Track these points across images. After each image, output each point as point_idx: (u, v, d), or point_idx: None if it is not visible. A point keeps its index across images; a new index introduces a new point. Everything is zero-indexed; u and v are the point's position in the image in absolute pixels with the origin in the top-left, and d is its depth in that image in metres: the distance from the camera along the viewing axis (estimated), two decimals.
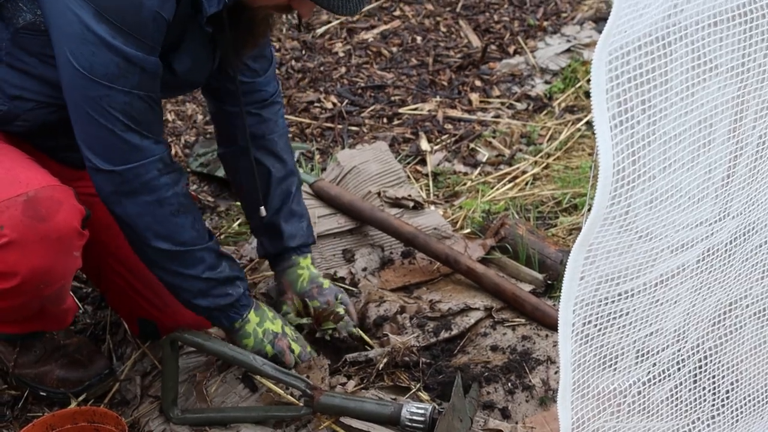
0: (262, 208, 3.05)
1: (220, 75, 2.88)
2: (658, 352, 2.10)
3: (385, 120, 4.84)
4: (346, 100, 5.01)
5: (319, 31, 5.66)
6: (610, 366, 2.02)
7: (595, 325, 1.91)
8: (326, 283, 3.18)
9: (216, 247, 2.72)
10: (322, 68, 5.30)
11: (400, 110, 4.92)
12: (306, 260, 3.14)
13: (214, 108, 3.11)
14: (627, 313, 1.94)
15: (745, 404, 2.44)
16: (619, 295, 1.90)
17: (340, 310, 3.11)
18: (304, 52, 5.49)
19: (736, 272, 2.17)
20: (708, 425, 2.37)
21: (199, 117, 4.87)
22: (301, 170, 3.80)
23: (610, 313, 1.92)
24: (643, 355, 2.08)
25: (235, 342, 2.86)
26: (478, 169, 4.40)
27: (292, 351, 2.93)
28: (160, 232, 2.59)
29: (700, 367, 2.24)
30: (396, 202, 3.78)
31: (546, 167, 4.35)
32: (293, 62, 5.34)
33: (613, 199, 1.66)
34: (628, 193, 1.68)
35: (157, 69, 2.48)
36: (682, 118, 1.76)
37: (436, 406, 2.68)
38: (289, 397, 2.88)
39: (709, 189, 1.90)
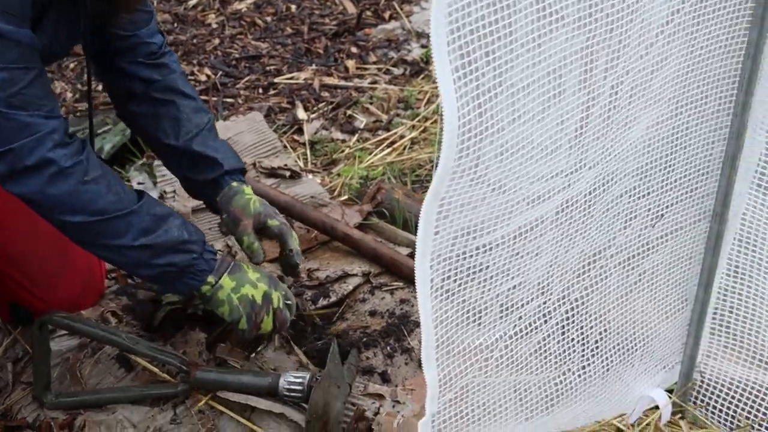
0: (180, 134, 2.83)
1: (99, 37, 2.76)
2: (522, 306, 2.12)
3: (260, 90, 4.77)
4: (221, 72, 4.91)
5: (192, 2, 5.53)
6: (474, 321, 2.02)
7: (455, 281, 1.91)
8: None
9: (152, 209, 2.47)
10: (195, 40, 5.18)
11: (276, 80, 4.84)
12: (249, 188, 2.86)
13: (102, 72, 2.97)
14: (487, 267, 1.94)
15: (615, 353, 2.49)
16: (477, 249, 1.90)
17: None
18: (175, 24, 5.36)
19: (598, 222, 2.19)
20: (579, 375, 2.41)
21: (68, 95, 4.71)
22: None
23: (470, 267, 1.92)
24: (507, 309, 2.09)
25: (213, 311, 2.64)
26: (356, 135, 4.37)
27: (278, 324, 2.69)
28: (71, 205, 2.40)
29: (567, 318, 2.27)
30: (272, 172, 3.72)
31: (424, 131, 4.35)
32: (165, 35, 5.19)
33: (461, 152, 1.65)
34: (477, 145, 1.67)
35: (33, 41, 2.35)
36: (529, 70, 1.76)
37: (315, 375, 2.65)
38: (165, 375, 2.81)
39: (563, 140, 1.91)
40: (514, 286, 2.04)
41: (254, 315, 2.61)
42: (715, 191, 2.46)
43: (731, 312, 2.63)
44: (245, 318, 2.60)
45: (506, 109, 1.71)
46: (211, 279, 2.55)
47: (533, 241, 2.01)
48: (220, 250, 3.33)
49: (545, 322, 2.19)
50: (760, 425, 2.58)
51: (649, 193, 2.29)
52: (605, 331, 2.38)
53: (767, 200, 2.41)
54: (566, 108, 1.89)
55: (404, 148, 4.20)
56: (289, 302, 2.73)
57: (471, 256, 1.88)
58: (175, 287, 2.62)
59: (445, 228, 1.77)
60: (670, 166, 2.31)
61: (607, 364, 2.45)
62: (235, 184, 2.86)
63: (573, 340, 2.30)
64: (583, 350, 2.36)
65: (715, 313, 2.66)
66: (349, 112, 4.56)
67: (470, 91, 1.61)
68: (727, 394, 2.68)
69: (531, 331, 2.17)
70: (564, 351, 2.29)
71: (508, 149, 1.76)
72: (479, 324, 2.02)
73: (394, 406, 2.63)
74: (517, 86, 1.73)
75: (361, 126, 4.45)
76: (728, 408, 2.67)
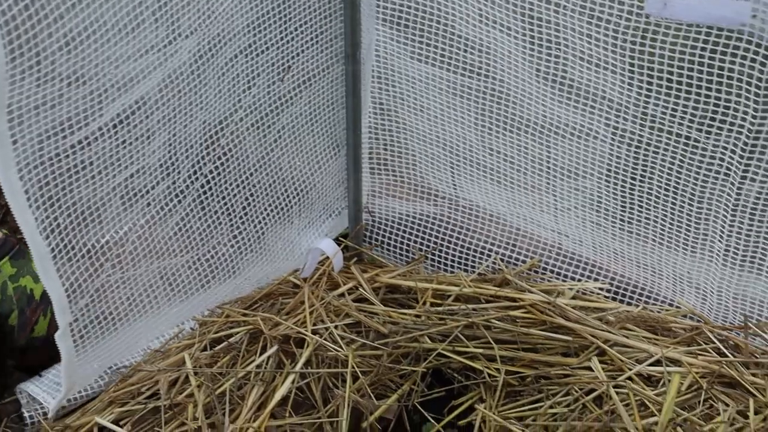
0: None
1: None
2: (148, 192, 2.00)
3: None
4: None
5: None
6: (93, 220, 1.88)
7: (57, 185, 1.75)
8: None
9: None
10: None
11: None
12: None
13: None
14: (91, 163, 1.80)
15: (269, 215, 2.44)
16: (73, 147, 1.74)
17: None
18: None
19: (215, 89, 2.08)
20: (231, 246, 2.35)
21: None
22: None
23: (71, 167, 1.76)
24: (130, 199, 1.96)
25: None
26: None
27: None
28: None
29: (205, 193, 2.18)
30: None
31: None
32: None
33: (13, 53, 1.46)
34: (32, 41, 1.49)
35: None
36: None
37: None
38: None
39: (144, 14, 1.75)
40: (132, 175, 1.92)
41: (29, 312, 2.25)
42: (342, 32, 2.40)
43: (386, 150, 2.65)
44: (17, 312, 2.23)
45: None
46: None
47: (140, 125, 1.87)
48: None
49: (179, 202, 2.09)
50: (433, 253, 2.66)
51: (268, 48, 2.19)
52: (251, 195, 2.32)
53: (394, 33, 2.39)
54: None
55: None
56: None
57: (68, 156, 1.73)
58: None
59: (24, 135, 1.59)
60: (285, 15, 2.21)
61: (261, 228, 2.40)
62: None
63: (216, 213, 2.23)
64: (231, 220, 2.29)
65: (370, 153, 2.66)
66: None
67: None
68: (398, 229, 2.73)
69: (165, 214, 2.06)
70: (209, 226, 2.22)
71: (74, 38, 1.59)
72: (100, 222, 1.89)
73: None
74: None
75: None
76: (401, 242, 2.73)
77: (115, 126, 1.80)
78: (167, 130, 1.95)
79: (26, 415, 2.18)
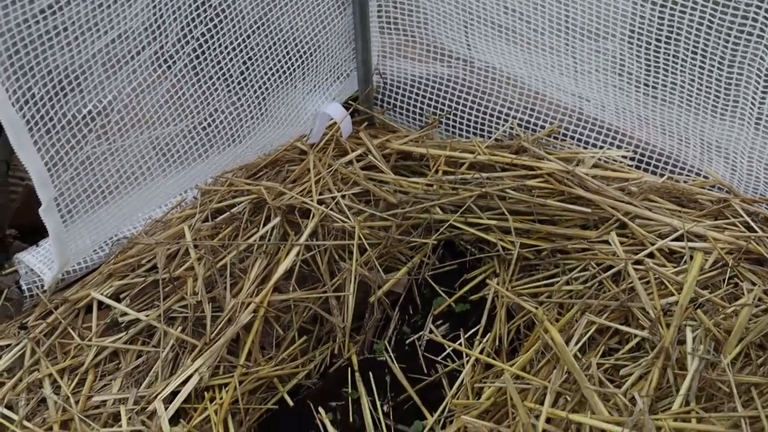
0: None
1: None
2: (133, 57, 1.86)
3: None
4: None
5: None
6: (73, 89, 1.76)
7: (29, 52, 1.62)
8: None
9: None
10: None
11: None
12: None
13: None
14: (66, 28, 1.65)
15: (270, 79, 2.29)
16: (43, 12, 1.60)
17: None
18: None
19: None
20: (230, 113, 2.22)
21: None
22: None
23: (42, 32, 1.62)
24: (113, 65, 1.82)
25: None
26: None
27: None
28: None
29: (198, 57, 2.03)
30: None
31: None
32: None
33: None
34: None
35: None
36: None
37: None
38: None
39: None
40: (113, 40, 1.77)
41: None
42: None
43: (395, 7, 2.47)
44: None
45: None
46: None
47: None
48: None
49: (169, 68, 1.95)
50: (448, 118, 2.52)
51: None
52: (250, 59, 2.17)
53: None
54: None
55: None
56: None
57: (38, 21, 1.58)
58: None
59: None
60: None
61: (262, 93, 2.26)
62: None
63: (211, 78, 2.09)
64: (228, 86, 2.15)
65: (379, 12, 2.49)
66: None
67: None
68: (410, 92, 2.59)
69: (153, 82, 1.93)
70: (204, 93, 2.08)
71: None
72: (81, 91, 1.76)
73: None
74: None
75: None
76: (414, 106, 2.59)
77: None
78: None
79: (24, 287, 2.12)
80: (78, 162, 1.81)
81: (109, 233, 2.12)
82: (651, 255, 1.97)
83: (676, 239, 1.98)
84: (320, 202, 2.18)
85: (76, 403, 1.89)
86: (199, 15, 1.95)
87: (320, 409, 1.93)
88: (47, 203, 1.80)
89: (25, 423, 1.87)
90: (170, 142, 2.05)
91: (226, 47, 2.06)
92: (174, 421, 1.83)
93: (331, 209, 2.15)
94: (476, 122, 2.47)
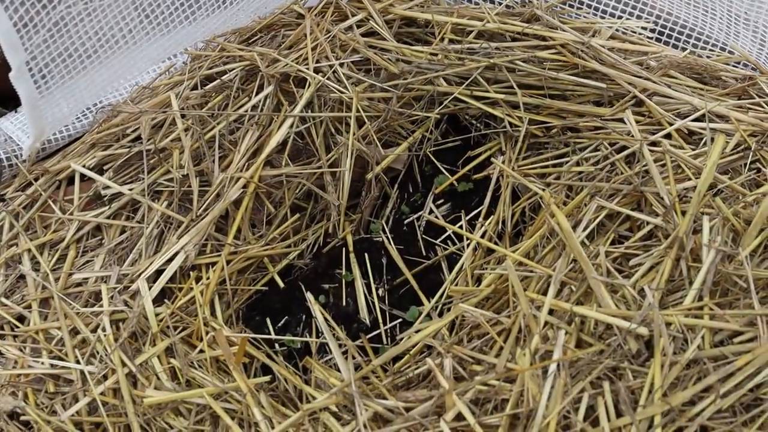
0: None
1: None
2: None
3: None
4: None
5: None
6: None
7: None
8: None
9: None
10: None
11: None
12: None
13: None
14: None
15: None
16: None
17: None
18: None
19: None
20: None
21: None
22: None
23: None
24: None
25: None
26: None
27: None
28: None
29: None
30: None
31: None
32: None
33: None
34: None
35: None
36: None
37: None
38: None
39: None
40: None
41: None
42: None
43: None
44: None
45: None
46: None
47: None
48: None
49: None
50: None
51: None
52: None
53: None
54: None
55: None
56: None
57: None
58: None
59: None
60: None
61: None
62: None
63: None
64: None
65: None
66: None
67: None
68: None
69: None
70: None
71: None
72: None
73: None
74: None
75: None
76: None
77: None
78: None
79: (2, 156, 2.00)
80: (51, 23, 1.67)
81: (89, 101, 1.98)
82: (668, 136, 1.84)
83: (696, 119, 1.84)
84: (317, 71, 2.03)
85: (56, 280, 1.80)
86: None
87: (310, 293, 1.84)
88: (18, 68, 1.66)
89: (3, 300, 1.79)
90: (154, 2, 1.89)
91: None
92: (158, 301, 1.74)
93: (328, 78, 2.01)
94: None
